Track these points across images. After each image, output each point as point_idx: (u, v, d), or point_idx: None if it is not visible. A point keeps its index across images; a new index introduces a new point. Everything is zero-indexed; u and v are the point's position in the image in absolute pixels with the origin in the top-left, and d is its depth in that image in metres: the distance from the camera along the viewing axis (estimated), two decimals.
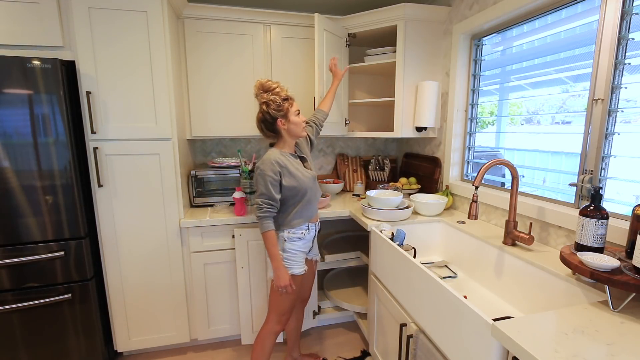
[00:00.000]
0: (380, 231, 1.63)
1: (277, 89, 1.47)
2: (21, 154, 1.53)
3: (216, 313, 1.97)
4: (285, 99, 1.46)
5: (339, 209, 2.04)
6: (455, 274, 1.64)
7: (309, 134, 1.72)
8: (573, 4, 1.32)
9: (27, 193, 1.56)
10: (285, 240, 1.51)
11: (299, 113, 1.52)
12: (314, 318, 2.10)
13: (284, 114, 1.46)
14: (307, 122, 1.71)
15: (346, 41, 2.16)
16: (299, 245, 1.54)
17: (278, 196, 1.45)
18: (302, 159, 1.61)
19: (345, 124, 2.25)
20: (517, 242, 1.41)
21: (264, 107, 1.45)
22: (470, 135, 1.96)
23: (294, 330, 1.84)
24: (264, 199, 1.43)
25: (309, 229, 1.57)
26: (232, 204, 2.06)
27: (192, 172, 2.00)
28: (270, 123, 1.47)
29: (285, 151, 1.53)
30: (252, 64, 2.08)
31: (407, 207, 1.82)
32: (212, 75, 2.04)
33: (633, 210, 0.99)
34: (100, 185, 1.70)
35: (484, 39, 1.82)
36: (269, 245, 1.44)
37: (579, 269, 0.97)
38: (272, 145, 1.57)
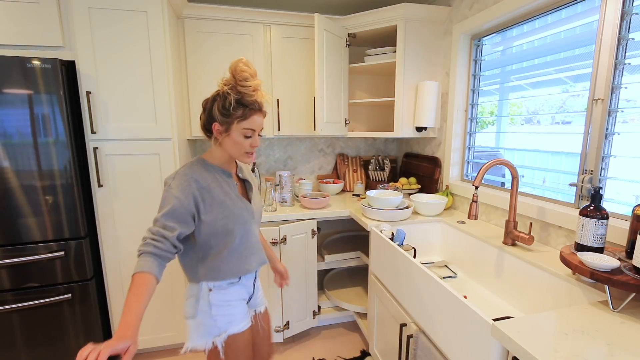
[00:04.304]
0: (380, 231, 1.63)
1: (246, 87, 1.00)
2: (21, 153, 1.53)
3: None
4: (243, 106, 1.00)
5: (339, 209, 2.04)
6: (455, 274, 1.64)
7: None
8: (573, 4, 1.32)
9: (27, 193, 1.56)
10: (210, 290, 1.06)
11: (251, 136, 1.03)
12: (314, 318, 2.10)
13: (226, 122, 1.01)
14: None
15: (346, 41, 2.16)
16: (232, 292, 1.09)
17: (179, 228, 0.95)
18: (245, 184, 1.19)
19: (345, 124, 2.25)
20: (517, 242, 1.41)
21: (213, 93, 1.05)
22: (470, 135, 1.96)
23: None
24: (154, 227, 0.93)
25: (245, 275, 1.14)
26: None
27: None
28: (207, 118, 1.05)
29: (215, 164, 1.09)
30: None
31: (407, 207, 1.82)
32: (212, 75, 2.04)
33: (633, 210, 0.99)
34: (100, 185, 1.70)
35: (484, 39, 1.82)
36: (131, 293, 0.84)
37: (579, 269, 0.97)
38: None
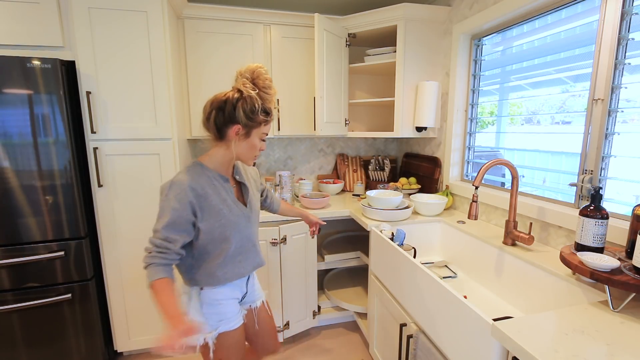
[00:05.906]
0: (380, 231, 1.63)
1: (269, 94, 1.07)
2: (21, 153, 1.53)
3: None
4: (267, 113, 1.07)
5: (339, 209, 2.04)
6: (455, 274, 1.64)
7: (263, 184, 1.37)
8: (573, 4, 1.32)
9: (27, 193, 1.56)
10: (202, 289, 1.10)
11: (264, 140, 1.12)
12: (314, 318, 2.10)
13: (248, 126, 1.05)
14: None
15: (346, 41, 2.16)
16: (223, 292, 1.12)
17: (181, 239, 1.00)
18: (242, 187, 1.20)
19: (345, 124, 2.25)
20: (517, 242, 1.41)
21: (234, 95, 1.03)
22: (470, 135, 1.96)
23: None
24: (156, 239, 0.98)
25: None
26: None
27: None
28: (224, 119, 1.04)
29: (213, 170, 1.10)
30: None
31: (407, 207, 1.82)
32: (213, 75, 2.04)
33: (633, 210, 0.99)
34: (100, 185, 1.70)
35: (484, 39, 1.82)
36: (159, 296, 0.94)
37: (579, 269, 0.97)
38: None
